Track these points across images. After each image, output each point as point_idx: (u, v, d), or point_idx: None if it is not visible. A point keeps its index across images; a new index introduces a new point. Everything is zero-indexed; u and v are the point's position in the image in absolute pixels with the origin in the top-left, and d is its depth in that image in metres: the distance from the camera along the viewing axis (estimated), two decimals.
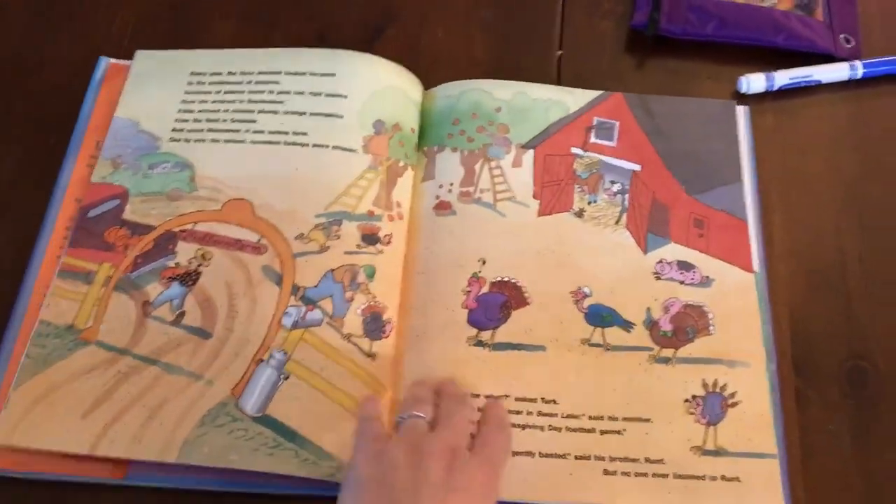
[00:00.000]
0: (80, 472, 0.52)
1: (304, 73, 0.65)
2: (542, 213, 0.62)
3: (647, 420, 0.55)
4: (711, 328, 0.57)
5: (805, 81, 0.68)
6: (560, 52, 0.70)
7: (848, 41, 0.70)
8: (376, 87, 0.65)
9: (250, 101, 0.64)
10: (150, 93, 0.65)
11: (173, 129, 0.63)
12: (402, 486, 0.46)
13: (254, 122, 0.63)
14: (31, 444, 0.52)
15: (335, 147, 0.62)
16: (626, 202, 0.62)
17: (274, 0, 0.72)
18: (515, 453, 0.53)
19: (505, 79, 0.67)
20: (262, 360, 0.55)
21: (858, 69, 0.68)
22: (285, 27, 0.70)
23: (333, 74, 0.65)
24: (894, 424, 0.55)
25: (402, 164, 0.63)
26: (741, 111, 0.66)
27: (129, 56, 0.67)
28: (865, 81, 0.68)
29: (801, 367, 0.57)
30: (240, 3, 0.72)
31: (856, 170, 0.65)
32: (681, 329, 0.57)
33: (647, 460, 0.53)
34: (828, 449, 0.54)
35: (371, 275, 0.58)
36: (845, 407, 0.56)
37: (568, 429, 0.54)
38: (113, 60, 0.67)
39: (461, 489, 0.47)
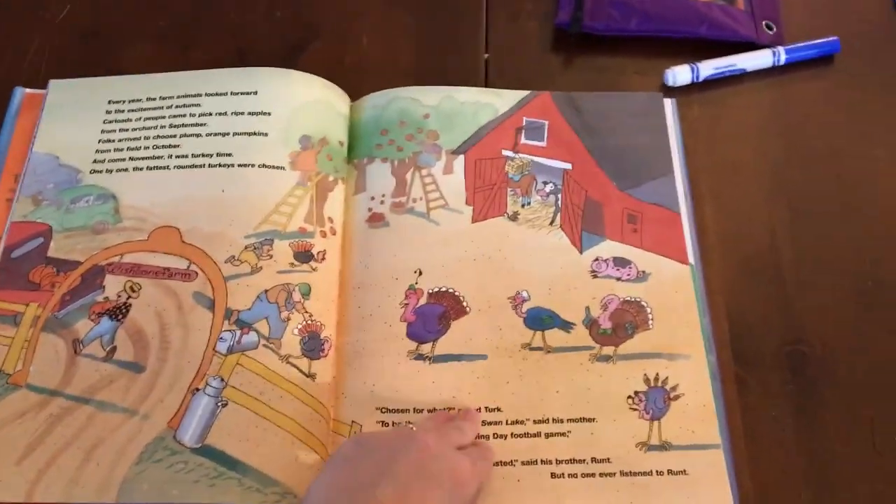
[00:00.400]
0: None
1: (225, 94, 0.64)
2: (475, 220, 0.61)
3: (592, 420, 0.54)
4: (650, 322, 0.57)
5: (730, 71, 0.68)
6: (487, 55, 0.70)
7: (770, 28, 0.71)
8: (300, 102, 0.64)
9: (172, 126, 0.63)
10: (68, 124, 0.64)
11: (94, 161, 0.62)
12: (367, 470, 0.45)
13: (177, 146, 0.62)
14: None
15: (261, 166, 0.61)
16: (560, 202, 0.62)
17: (191, 21, 0.71)
18: None
19: (433, 85, 0.67)
20: (198, 389, 0.54)
21: (781, 55, 0.69)
22: (204, 47, 0.69)
23: (255, 92, 0.64)
24: (835, 406, 0.55)
25: (331, 178, 0.62)
26: (668, 104, 0.67)
27: (46, 85, 0.65)
28: (789, 67, 0.69)
29: (740, 356, 0.57)
30: (156, 25, 0.70)
31: (782, 155, 0.65)
32: (620, 326, 0.57)
33: (594, 460, 0.53)
34: (772, 435, 0.55)
35: (306, 293, 0.57)
36: (786, 392, 0.56)
37: (513, 435, 0.54)
38: (28, 90, 0.65)
39: (428, 477, 0.45)
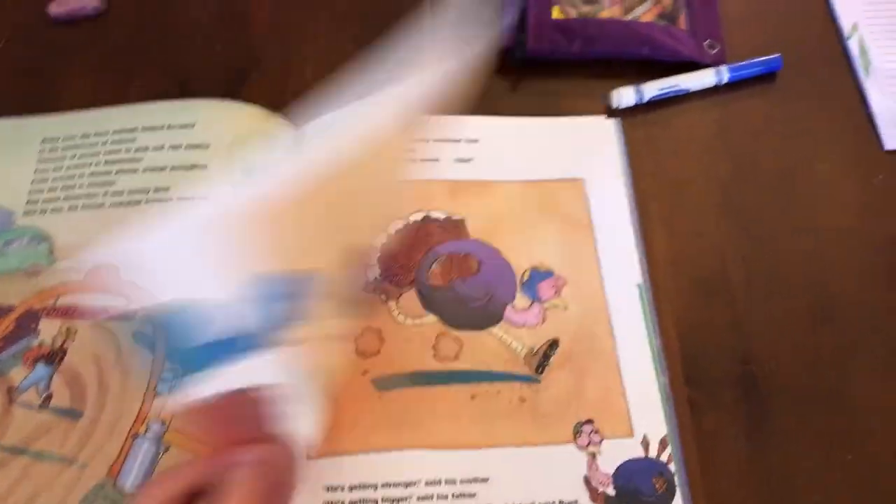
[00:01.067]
0: None
1: (161, 127, 0.63)
2: None
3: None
4: None
5: (674, 91, 0.68)
6: None
7: (712, 47, 0.71)
8: (240, 133, 0.63)
9: (107, 163, 0.61)
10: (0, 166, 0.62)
11: (27, 202, 0.60)
12: None
13: (112, 183, 0.60)
14: None
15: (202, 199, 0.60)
16: None
17: (130, 53, 0.69)
18: None
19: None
20: (138, 434, 0.52)
21: (724, 74, 0.69)
22: (144, 80, 0.68)
23: (193, 125, 0.63)
24: (788, 424, 0.55)
25: None
26: (613, 125, 0.66)
27: None
28: (732, 85, 0.69)
29: (693, 378, 0.56)
30: (94, 59, 0.69)
31: (730, 173, 0.65)
32: None
33: None
34: (727, 456, 0.54)
35: None
36: (740, 412, 0.55)
37: None
38: None
39: None
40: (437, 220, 0.61)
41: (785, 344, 0.58)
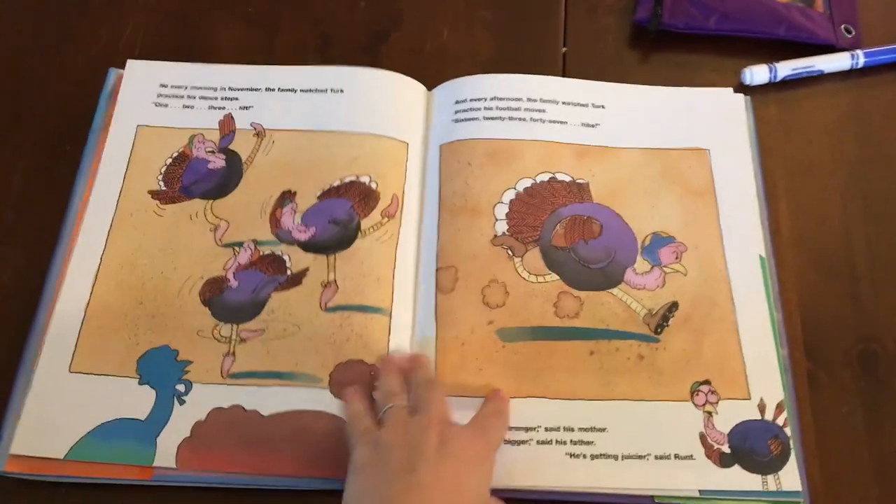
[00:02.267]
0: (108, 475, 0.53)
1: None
2: None
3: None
4: None
5: (807, 72, 0.68)
6: (565, 49, 0.71)
7: (849, 31, 0.71)
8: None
9: None
10: None
11: None
12: (398, 463, 0.47)
13: None
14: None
15: None
16: None
17: (277, 7, 0.73)
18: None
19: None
20: None
21: (860, 59, 0.69)
22: (289, 33, 0.71)
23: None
24: None
25: None
26: (744, 102, 0.67)
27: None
28: (867, 70, 0.69)
29: (812, 352, 0.57)
30: (242, 10, 0.73)
31: (859, 157, 0.65)
32: None
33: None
34: (841, 431, 0.55)
35: None
36: (858, 389, 0.56)
37: None
38: (122, 71, 0.68)
39: (452, 456, 0.48)
40: (562, 181, 0.63)
41: None
